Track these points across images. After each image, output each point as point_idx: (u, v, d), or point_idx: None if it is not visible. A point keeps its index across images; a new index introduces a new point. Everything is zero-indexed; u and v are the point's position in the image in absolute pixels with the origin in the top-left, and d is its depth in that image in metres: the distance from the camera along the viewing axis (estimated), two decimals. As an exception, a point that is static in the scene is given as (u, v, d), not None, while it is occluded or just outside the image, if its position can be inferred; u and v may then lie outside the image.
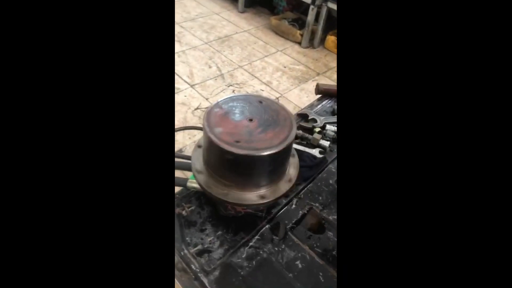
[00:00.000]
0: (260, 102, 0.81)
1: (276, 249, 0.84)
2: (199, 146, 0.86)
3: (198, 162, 0.83)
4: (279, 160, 0.76)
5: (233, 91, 2.49)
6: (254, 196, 0.77)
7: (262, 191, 0.78)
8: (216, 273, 0.78)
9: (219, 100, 0.79)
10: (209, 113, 0.75)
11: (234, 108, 0.78)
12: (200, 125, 1.99)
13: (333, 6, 2.83)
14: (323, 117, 1.26)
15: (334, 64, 3.00)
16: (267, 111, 0.78)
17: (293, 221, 0.92)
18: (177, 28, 3.22)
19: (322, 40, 3.21)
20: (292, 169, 0.85)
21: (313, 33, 3.13)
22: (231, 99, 0.80)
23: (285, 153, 0.77)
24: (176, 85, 2.46)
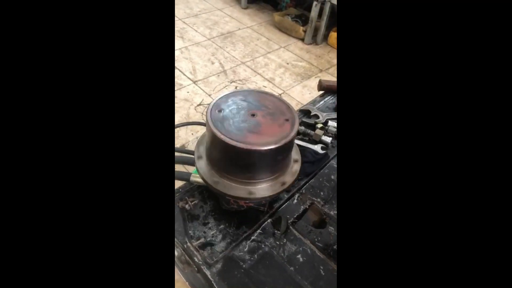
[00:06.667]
0: (263, 97, 0.81)
1: (278, 243, 0.86)
2: (201, 142, 0.87)
3: (199, 150, 0.84)
4: (280, 155, 0.76)
5: (236, 87, 2.50)
6: (245, 191, 0.78)
7: (262, 186, 0.79)
8: (219, 265, 0.79)
9: (222, 94, 0.80)
10: (212, 107, 0.76)
11: (237, 103, 0.78)
12: (203, 121, 2.00)
13: (336, 2, 2.81)
14: (326, 113, 1.27)
15: (336, 60, 2.99)
16: (270, 106, 0.79)
17: (295, 216, 0.93)
18: (179, 24, 3.22)
19: (325, 37, 3.20)
20: (289, 176, 0.84)
21: (316, 30, 3.12)
22: (234, 93, 0.81)
23: (287, 148, 0.77)
24: (178, 81, 2.46)
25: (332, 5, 2.89)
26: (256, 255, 0.82)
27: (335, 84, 1.43)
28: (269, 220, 0.91)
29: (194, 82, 2.50)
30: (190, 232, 0.86)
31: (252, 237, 0.86)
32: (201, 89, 2.44)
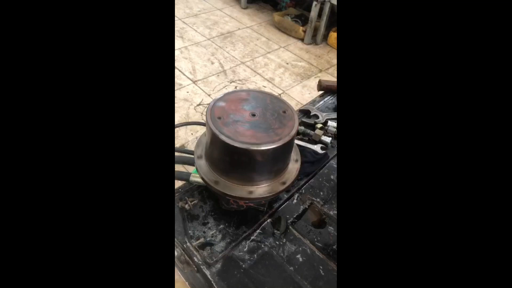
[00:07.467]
0: (263, 97, 0.81)
1: (277, 243, 0.86)
2: (201, 142, 0.87)
3: (199, 149, 0.84)
4: (280, 156, 0.76)
5: (236, 87, 2.50)
6: (245, 191, 0.78)
7: (262, 186, 0.79)
8: (218, 265, 0.79)
9: (222, 94, 0.80)
10: (212, 107, 0.76)
11: (237, 103, 0.78)
12: (202, 121, 2.00)
13: (336, 2, 2.82)
14: (325, 113, 1.27)
15: (336, 60, 2.99)
16: (270, 106, 0.79)
17: (294, 216, 0.93)
18: (179, 24, 3.22)
19: (325, 37, 3.20)
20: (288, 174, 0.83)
21: (316, 30, 3.12)
22: (234, 93, 0.81)
23: (287, 148, 0.77)
24: (178, 81, 2.46)
25: (331, 5, 2.89)
26: (255, 255, 0.82)
27: (335, 84, 1.43)
28: (268, 220, 0.91)
29: (194, 82, 2.50)
30: (189, 232, 0.86)
31: (252, 237, 0.86)
32: (201, 89, 2.44)
